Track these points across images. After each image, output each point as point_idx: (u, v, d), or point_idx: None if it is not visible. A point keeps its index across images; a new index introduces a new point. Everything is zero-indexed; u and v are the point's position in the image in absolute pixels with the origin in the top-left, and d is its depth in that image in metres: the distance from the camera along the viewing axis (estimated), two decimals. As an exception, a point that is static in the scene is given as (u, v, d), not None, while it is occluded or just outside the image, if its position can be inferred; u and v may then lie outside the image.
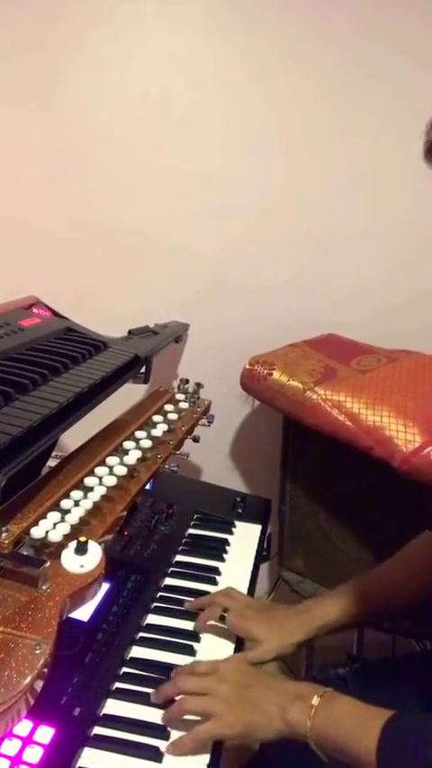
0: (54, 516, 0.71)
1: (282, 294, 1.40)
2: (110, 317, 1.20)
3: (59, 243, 1.34)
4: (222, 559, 1.02)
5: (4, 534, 0.66)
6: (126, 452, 0.88)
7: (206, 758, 0.68)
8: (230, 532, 1.09)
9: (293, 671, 1.38)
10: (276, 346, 1.28)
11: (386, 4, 1.26)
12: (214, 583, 0.96)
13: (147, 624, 0.86)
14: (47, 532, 0.69)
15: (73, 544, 0.68)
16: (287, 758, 0.82)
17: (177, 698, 0.72)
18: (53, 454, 1.00)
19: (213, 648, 0.84)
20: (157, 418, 1.01)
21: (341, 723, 0.65)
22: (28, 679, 0.56)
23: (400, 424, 1.02)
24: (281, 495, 1.30)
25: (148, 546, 1.00)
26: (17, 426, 0.68)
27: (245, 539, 1.08)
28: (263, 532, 1.11)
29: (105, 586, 0.88)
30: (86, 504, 0.75)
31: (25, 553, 0.67)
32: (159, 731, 0.70)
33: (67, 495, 0.76)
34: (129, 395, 1.06)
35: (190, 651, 0.82)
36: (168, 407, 1.06)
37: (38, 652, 0.58)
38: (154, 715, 0.72)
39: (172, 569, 0.98)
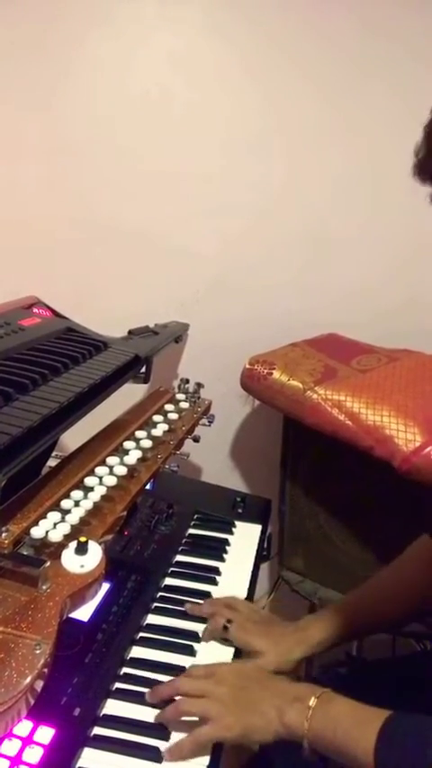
0: (54, 516, 0.71)
1: (282, 294, 1.40)
2: (110, 317, 1.20)
3: (60, 243, 1.34)
4: (222, 559, 1.01)
5: (4, 534, 0.66)
6: (126, 452, 0.88)
7: (206, 759, 0.68)
8: (230, 532, 1.09)
9: (293, 671, 1.38)
10: (276, 346, 1.28)
11: (386, 4, 1.26)
12: (214, 583, 0.96)
13: (147, 624, 0.86)
14: (47, 532, 0.69)
15: (73, 544, 0.68)
16: (287, 758, 0.83)
17: (177, 698, 0.72)
18: (53, 454, 1.00)
19: (213, 649, 0.84)
20: (157, 418, 1.01)
21: (338, 724, 0.65)
22: (28, 679, 0.56)
23: (401, 423, 1.02)
24: (281, 494, 1.30)
25: (148, 546, 1.00)
26: (17, 426, 0.68)
27: (245, 539, 1.08)
28: (263, 532, 1.11)
29: (105, 586, 0.88)
30: (87, 504, 0.75)
31: (25, 553, 0.67)
32: (159, 731, 0.70)
33: (67, 495, 0.76)
34: (129, 395, 1.06)
35: (190, 651, 0.82)
36: (168, 407, 1.06)
37: (38, 652, 0.58)
38: (154, 715, 0.72)
39: (172, 569, 0.98)
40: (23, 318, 1.02)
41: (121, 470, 0.84)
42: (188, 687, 0.72)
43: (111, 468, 0.84)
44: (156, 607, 0.89)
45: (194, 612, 0.88)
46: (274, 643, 0.84)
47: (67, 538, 0.69)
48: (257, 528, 1.12)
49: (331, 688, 0.70)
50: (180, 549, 1.03)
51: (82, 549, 0.67)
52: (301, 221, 1.36)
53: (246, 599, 0.93)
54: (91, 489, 0.78)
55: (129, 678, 0.77)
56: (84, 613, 0.81)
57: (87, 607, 0.76)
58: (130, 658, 0.80)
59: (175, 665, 0.79)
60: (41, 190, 1.30)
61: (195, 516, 1.11)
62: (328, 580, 1.25)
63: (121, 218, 1.33)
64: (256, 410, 1.47)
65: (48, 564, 0.65)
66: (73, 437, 0.89)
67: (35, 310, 1.09)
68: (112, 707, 0.72)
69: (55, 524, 0.70)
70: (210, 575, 0.97)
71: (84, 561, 0.67)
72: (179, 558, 1.01)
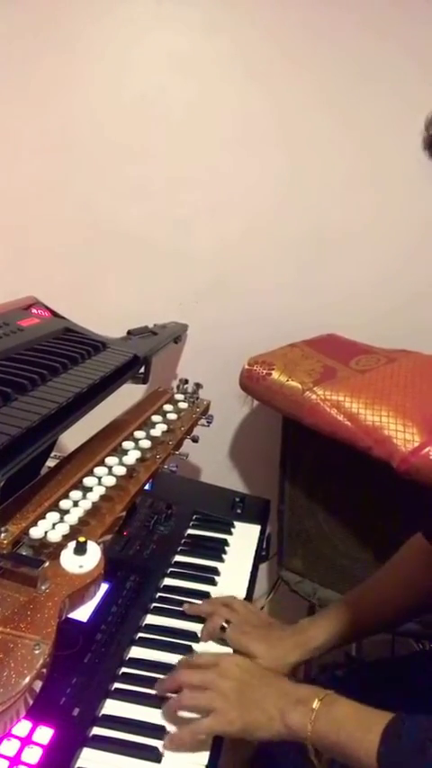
0: (53, 516, 0.71)
1: (281, 294, 1.40)
2: (109, 318, 1.20)
3: (58, 243, 1.34)
4: (221, 560, 1.02)
5: (3, 534, 0.66)
6: (125, 452, 0.88)
7: (205, 758, 0.68)
8: (229, 533, 1.09)
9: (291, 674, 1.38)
10: (275, 346, 1.28)
11: (386, 4, 1.26)
12: (213, 583, 0.96)
13: (146, 624, 0.86)
14: (46, 533, 0.69)
15: (72, 544, 0.68)
16: (287, 758, 0.83)
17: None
18: (52, 454, 1.00)
19: (213, 649, 0.84)
20: (156, 418, 1.01)
21: (342, 726, 0.65)
22: (27, 679, 0.56)
23: (399, 423, 1.02)
24: (280, 495, 1.30)
25: (147, 546, 1.00)
26: (16, 427, 0.68)
27: (244, 539, 1.08)
28: (262, 533, 1.12)
29: (104, 587, 0.88)
30: (85, 505, 0.75)
31: (24, 553, 0.67)
32: (158, 731, 0.70)
33: (66, 496, 0.76)
34: (128, 395, 1.06)
35: (189, 651, 0.82)
36: (167, 407, 1.06)
37: (37, 652, 0.58)
38: (153, 715, 0.72)
39: (171, 569, 0.98)
40: (22, 319, 1.02)
41: (120, 471, 0.84)
42: (193, 679, 0.72)
43: (110, 468, 0.84)
44: (155, 607, 0.89)
45: (193, 612, 0.88)
46: (270, 647, 0.84)
47: (66, 538, 0.70)
48: (256, 528, 1.12)
49: (330, 689, 0.70)
50: (179, 549, 1.03)
51: (81, 550, 0.67)
52: (299, 222, 1.36)
53: (245, 599, 0.93)
54: (90, 489, 0.78)
55: (128, 678, 0.77)
56: (83, 614, 0.82)
57: (86, 607, 0.76)
58: (129, 658, 0.80)
59: (174, 666, 0.78)
60: (40, 190, 1.30)
61: (194, 516, 1.11)
62: (327, 580, 1.25)
63: (120, 219, 1.33)
64: (254, 410, 1.47)
65: (47, 564, 0.65)
66: (72, 437, 0.89)
67: (34, 311, 1.09)
68: (112, 707, 0.72)
69: (54, 525, 0.70)
70: (209, 575, 0.97)
71: (83, 561, 0.67)
72: (178, 558, 1.01)
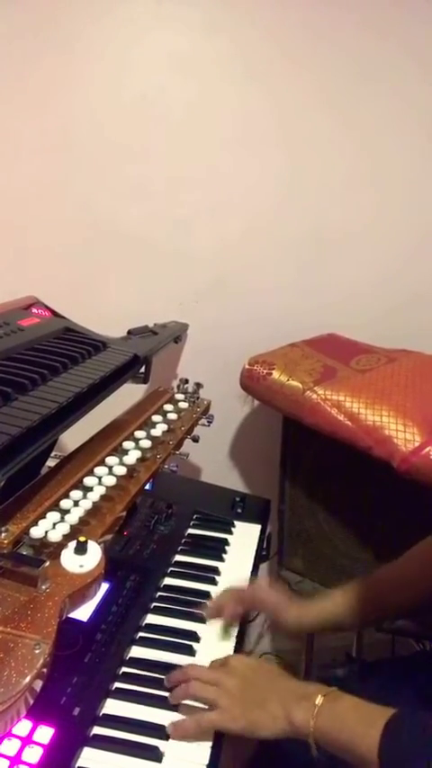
0: (53, 516, 0.71)
1: (281, 294, 1.40)
2: (109, 317, 1.20)
3: (59, 243, 1.34)
4: (222, 559, 1.02)
5: (3, 534, 0.66)
6: (125, 452, 0.89)
7: (206, 758, 0.68)
8: (230, 532, 1.09)
9: (293, 671, 1.38)
10: (276, 346, 1.28)
11: (387, 4, 1.26)
12: (214, 583, 0.96)
13: (146, 624, 0.86)
14: (46, 532, 0.69)
15: (72, 544, 0.68)
16: (287, 759, 0.83)
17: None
18: (52, 454, 1.00)
19: (213, 648, 0.84)
20: (156, 418, 1.01)
21: (343, 722, 0.65)
22: (27, 679, 0.56)
23: (400, 423, 1.02)
24: (280, 494, 1.30)
25: (147, 546, 1.00)
26: (16, 426, 0.68)
27: (244, 538, 1.08)
28: (262, 532, 1.12)
29: (105, 586, 0.88)
30: (86, 504, 0.75)
31: (25, 553, 0.67)
32: (159, 731, 0.70)
33: (66, 495, 0.76)
34: (128, 395, 1.06)
35: (189, 651, 0.82)
36: (168, 407, 1.06)
37: (37, 652, 0.58)
38: (153, 715, 0.72)
39: (171, 569, 0.98)
40: (22, 318, 1.02)
41: (121, 470, 0.84)
42: (201, 674, 0.74)
43: (110, 468, 0.84)
44: (155, 607, 0.89)
45: (212, 612, 0.89)
46: (289, 605, 0.88)
47: (67, 538, 0.70)
48: (257, 528, 1.12)
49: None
50: (179, 548, 1.03)
51: (81, 549, 0.67)
52: (299, 222, 1.36)
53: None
54: (90, 489, 0.78)
55: (128, 678, 0.77)
56: (83, 613, 0.82)
57: (87, 607, 0.76)
58: (130, 658, 0.80)
59: (174, 665, 0.78)
60: (40, 190, 1.30)
61: (195, 516, 1.11)
62: (328, 580, 1.25)
63: (121, 219, 1.33)
64: (255, 410, 1.47)
65: (47, 564, 0.65)
66: (72, 437, 0.89)
67: (34, 310, 1.09)
68: (112, 706, 0.72)
69: (54, 524, 0.70)
70: (209, 575, 0.97)
71: (83, 561, 0.67)
72: (178, 557, 1.01)
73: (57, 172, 1.30)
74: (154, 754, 0.67)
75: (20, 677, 0.56)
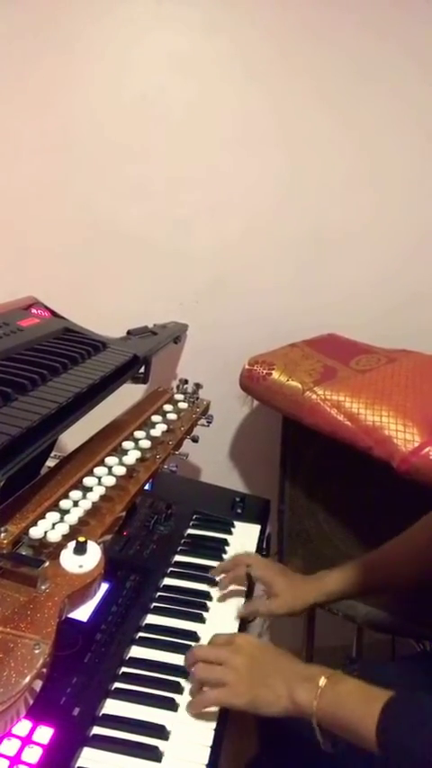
0: (53, 516, 0.71)
1: (281, 294, 1.40)
2: (109, 318, 1.20)
3: (58, 243, 1.34)
4: (222, 559, 1.01)
5: (2, 534, 0.66)
6: (125, 452, 0.89)
7: (205, 758, 0.68)
8: (230, 532, 1.09)
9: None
10: (275, 346, 1.28)
11: (386, 4, 1.26)
12: (214, 583, 0.96)
13: (146, 624, 0.86)
14: (46, 533, 0.69)
15: (72, 544, 0.68)
16: (288, 759, 0.83)
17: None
18: (52, 454, 1.00)
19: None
20: (156, 418, 1.01)
21: (345, 703, 0.67)
22: (27, 679, 0.56)
23: (400, 423, 1.02)
24: (280, 495, 1.30)
25: (147, 546, 1.00)
26: (16, 426, 0.68)
27: (244, 539, 1.08)
28: (262, 532, 1.12)
29: (104, 586, 0.88)
30: (85, 505, 0.75)
31: (24, 553, 0.67)
32: (158, 731, 0.70)
33: (65, 496, 0.76)
34: (128, 395, 1.06)
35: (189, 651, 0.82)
36: (167, 407, 1.06)
37: (37, 652, 0.58)
38: (153, 715, 0.72)
39: (171, 569, 0.98)
40: (22, 319, 1.02)
41: (120, 470, 0.84)
42: (207, 654, 0.76)
43: (110, 468, 0.84)
44: (155, 607, 0.89)
45: (217, 572, 0.95)
46: (291, 584, 0.93)
47: (66, 538, 0.70)
48: (256, 528, 1.12)
49: None
50: (179, 549, 1.03)
51: (81, 550, 0.67)
52: (299, 222, 1.36)
53: (245, 599, 0.94)
54: (90, 489, 0.78)
55: (128, 678, 0.77)
56: (83, 613, 0.82)
57: (86, 607, 0.76)
58: (130, 658, 0.80)
59: (174, 665, 0.79)
60: (40, 190, 1.30)
61: (194, 516, 1.11)
62: (328, 580, 1.25)
63: (120, 219, 1.33)
64: (255, 410, 1.47)
65: (46, 564, 0.65)
66: (72, 437, 0.89)
67: (34, 311, 1.09)
68: (112, 706, 0.72)
69: (54, 524, 0.70)
70: (209, 575, 0.97)
71: (82, 561, 0.67)
72: (178, 558, 1.01)
73: (57, 172, 1.30)
74: (154, 754, 0.67)
75: (19, 677, 0.56)
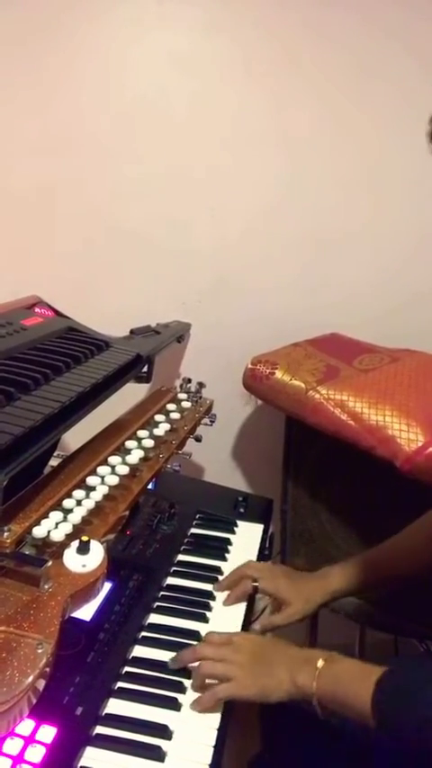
0: (56, 516, 0.71)
1: (284, 293, 1.40)
2: (112, 317, 1.20)
3: (61, 242, 1.34)
4: (224, 559, 1.01)
5: (6, 533, 0.66)
6: (128, 452, 0.89)
7: (208, 758, 0.68)
8: (232, 532, 1.09)
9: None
10: (279, 346, 1.28)
11: (387, 3, 1.26)
12: (216, 582, 0.96)
13: (149, 623, 0.86)
14: (49, 532, 0.69)
15: (75, 543, 0.68)
16: (291, 759, 0.83)
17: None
18: (55, 453, 1.00)
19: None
20: (159, 417, 1.01)
21: (341, 680, 0.70)
22: (30, 678, 0.56)
23: (403, 423, 1.02)
24: (283, 494, 1.30)
25: (150, 545, 1.00)
26: (19, 426, 0.68)
27: (247, 538, 1.08)
28: (265, 532, 1.11)
29: (107, 586, 0.88)
30: (88, 504, 0.75)
31: (27, 552, 0.67)
32: (161, 731, 0.70)
33: (69, 495, 0.76)
34: (131, 394, 1.06)
35: (192, 650, 0.82)
36: (170, 407, 1.06)
37: (40, 651, 0.58)
38: (156, 714, 0.72)
39: (174, 569, 0.98)
40: (25, 318, 1.02)
41: (123, 470, 0.84)
42: (209, 653, 0.77)
43: (113, 467, 0.84)
44: (158, 606, 0.89)
45: (221, 589, 0.94)
46: (299, 591, 0.94)
47: (69, 537, 0.69)
48: (259, 527, 1.12)
49: None
50: (182, 548, 1.03)
51: (84, 549, 0.67)
52: (302, 221, 1.36)
53: (246, 602, 0.94)
54: (93, 489, 0.78)
55: (131, 677, 0.76)
56: (86, 613, 0.81)
57: (89, 606, 0.76)
58: (133, 657, 0.80)
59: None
60: (42, 190, 1.30)
61: (197, 516, 1.11)
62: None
63: (123, 218, 1.33)
64: (258, 410, 1.47)
65: (50, 563, 0.65)
66: (75, 436, 0.89)
67: (37, 310, 1.09)
68: (115, 706, 0.72)
69: (57, 524, 0.70)
70: (212, 574, 0.97)
71: (86, 561, 0.67)
72: (181, 557, 1.01)
73: (59, 171, 1.30)
74: (156, 754, 0.67)
75: (22, 677, 0.56)
